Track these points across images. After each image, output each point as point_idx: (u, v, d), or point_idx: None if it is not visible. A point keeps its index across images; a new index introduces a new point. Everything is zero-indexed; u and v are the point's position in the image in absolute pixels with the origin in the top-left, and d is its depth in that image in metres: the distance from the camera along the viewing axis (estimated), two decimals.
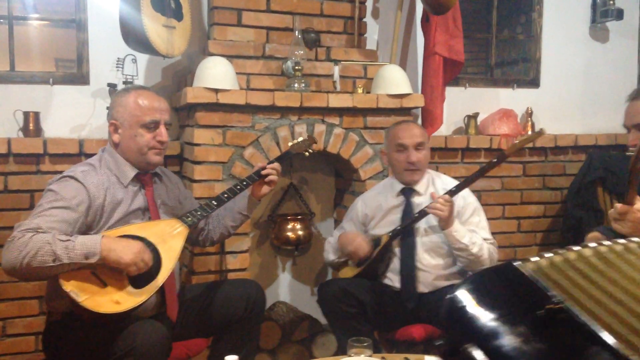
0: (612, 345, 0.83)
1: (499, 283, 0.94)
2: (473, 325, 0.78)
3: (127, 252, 1.88)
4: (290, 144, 2.53)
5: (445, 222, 2.49)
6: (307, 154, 2.57)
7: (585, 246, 1.18)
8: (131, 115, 2.10)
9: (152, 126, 2.12)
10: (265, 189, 2.34)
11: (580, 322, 0.84)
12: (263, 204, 3.27)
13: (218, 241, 2.52)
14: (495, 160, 2.56)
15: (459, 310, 0.81)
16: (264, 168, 2.32)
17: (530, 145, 3.61)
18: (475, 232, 2.57)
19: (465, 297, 0.82)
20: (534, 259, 1.08)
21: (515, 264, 0.98)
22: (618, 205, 1.97)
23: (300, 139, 2.55)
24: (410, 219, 2.58)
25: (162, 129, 2.15)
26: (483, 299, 0.81)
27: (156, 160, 2.17)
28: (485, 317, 0.78)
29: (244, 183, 2.29)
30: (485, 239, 2.59)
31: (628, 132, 2.33)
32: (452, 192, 2.52)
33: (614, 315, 0.96)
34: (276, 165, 2.36)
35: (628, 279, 1.07)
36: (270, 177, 2.32)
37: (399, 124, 2.75)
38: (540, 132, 2.64)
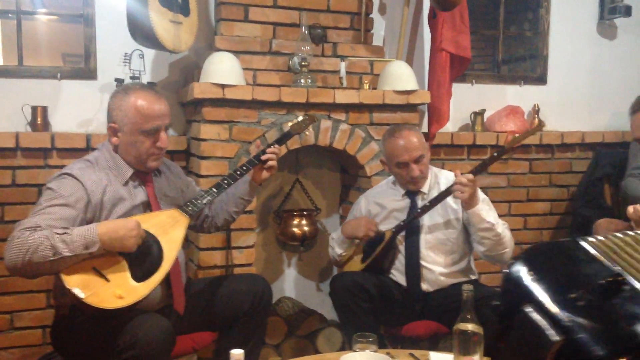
0: None
1: (561, 256, 0.97)
2: (532, 290, 0.79)
3: (128, 238, 1.88)
4: (290, 124, 2.49)
5: (468, 203, 2.45)
6: (307, 133, 2.56)
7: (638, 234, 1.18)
8: (131, 122, 2.06)
9: (153, 132, 2.09)
10: (265, 174, 2.32)
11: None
12: (269, 199, 3.28)
13: (222, 227, 2.51)
14: (495, 154, 2.54)
15: (517, 276, 0.82)
16: (263, 152, 2.30)
17: (537, 142, 3.61)
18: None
19: (523, 266, 0.84)
20: (592, 238, 1.09)
21: (579, 240, 0.99)
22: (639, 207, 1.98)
23: (300, 118, 2.50)
24: (414, 214, 2.57)
25: (162, 135, 2.12)
26: (544, 268, 0.83)
27: (154, 166, 2.16)
28: (545, 284, 0.79)
29: (244, 168, 2.27)
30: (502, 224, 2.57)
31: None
32: (478, 171, 2.47)
33: None
34: (275, 149, 2.32)
35: None
36: (270, 163, 2.29)
37: (393, 136, 2.60)
38: (540, 126, 2.64)
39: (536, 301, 0.77)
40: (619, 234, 1.14)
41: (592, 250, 0.99)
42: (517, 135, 2.55)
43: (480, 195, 2.63)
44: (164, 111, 2.12)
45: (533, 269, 0.83)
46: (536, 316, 0.74)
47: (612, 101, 3.86)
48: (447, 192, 2.50)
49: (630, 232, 1.17)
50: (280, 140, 2.43)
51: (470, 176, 2.41)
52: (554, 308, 0.76)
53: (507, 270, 0.81)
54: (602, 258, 0.98)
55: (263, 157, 2.29)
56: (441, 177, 2.69)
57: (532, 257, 0.90)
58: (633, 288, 0.88)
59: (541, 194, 3.71)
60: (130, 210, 2.09)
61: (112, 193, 2.06)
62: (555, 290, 0.80)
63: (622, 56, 3.92)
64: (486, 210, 2.48)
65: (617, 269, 0.95)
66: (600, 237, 1.11)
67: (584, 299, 0.81)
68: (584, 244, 1.01)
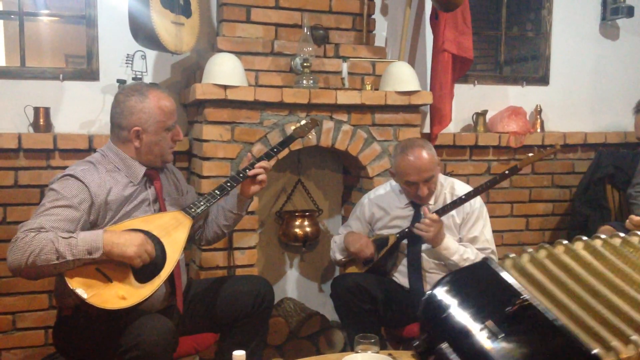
0: (576, 339, 0.84)
1: (474, 281, 0.97)
2: (446, 324, 0.81)
3: (129, 245, 1.88)
4: (292, 127, 2.47)
5: (431, 242, 2.49)
6: (310, 137, 2.55)
7: (579, 239, 1.18)
8: (157, 121, 2.10)
9: (172, 128, 2.16)
10: (255, 188, 2.28)
11: (546, 317, 0.86)
12: (270, 201, 3.28)
13: (213, 241, 2.47)
14: (507, 172, 2.55)
15: (434, 310, 0.84)
16: (251, 167, 2.26)
17: (540, 143, 3.60)
18: (469, 246, 2.56)
19: (440, 297, 0.85)
20: (513, 255, 1.09)
21: (489, 262, 1.01)
22: (635, 218, 1.98)
23: (303, 122, 2.50)
24: (410, 230, 2.58)
25: (178, 128, 2.20)
26: (457, 298, 0.84)
27: (171, 159, 2.24)
28: (457, 316, 0.81)
29: (246, 170, 2.25)
30: (483, 249, 2.58)
31: None
32: (444, 211, 2.50)
33: (588, 308, 0.96)
34: (264, 163, 2.28)
35: (615, 271, 1.07)
36: (259, 177, 2.26)
37: (405, 153, 2.51)
38: (555, 148, 2.65)
39: (451, 336, 0.78)
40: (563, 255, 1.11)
41: (503, 274, 0.99)
42: (530, 154, 2.61)
43: (479, 210, 2.62)
44: (175, 106, 2.21)
45: (450, 298, 0.83)
46: (452, 354, 0.75)
47: (614, 102, 3.85)
48: (453, 205, 2.51)
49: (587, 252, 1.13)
50: (284, 144, 2.43)
51: (435, 216, 2.45)
52: (468, 343, 0.76)
53: (426, 298, 0.82)
54: (511, 281, 0.97)
55: (250, 173, 2.25)
56: (447, 187, 2.67)
57: (448, 287, 0.90)
58: (538, 313, 0.87)
59: (543, 195, 3.71)
60: (135, 207, 2.09)
61: (117, 194, 2.06)
62: (470, 320, 0.81)
63: (624, 57, 3.91)
64: (452, 248, 2.50)
65: (522, 291, 0.93)
66: (514, 254, 1.09)
67: (494, 330, 0.82)
68: (494, 267, 0.99)
